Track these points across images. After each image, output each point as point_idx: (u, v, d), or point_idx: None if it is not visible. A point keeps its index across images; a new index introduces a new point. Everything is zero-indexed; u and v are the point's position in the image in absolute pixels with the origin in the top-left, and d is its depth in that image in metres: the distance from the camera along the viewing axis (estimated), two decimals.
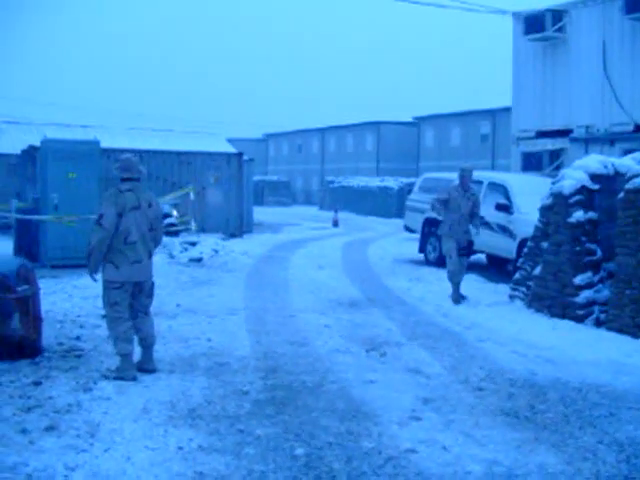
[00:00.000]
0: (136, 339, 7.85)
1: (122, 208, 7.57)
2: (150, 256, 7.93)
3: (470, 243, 13.16)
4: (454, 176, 19.21)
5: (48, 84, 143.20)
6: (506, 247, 15.64)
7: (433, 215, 18.55)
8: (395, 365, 8.49)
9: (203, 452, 5.67)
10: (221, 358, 8.59)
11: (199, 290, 13.79)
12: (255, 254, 20.63)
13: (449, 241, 12.96)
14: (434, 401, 7.13)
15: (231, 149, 31.38)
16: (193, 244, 19.28)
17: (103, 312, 10.57)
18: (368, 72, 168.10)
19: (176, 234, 22.03)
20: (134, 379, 7.52)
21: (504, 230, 15.76)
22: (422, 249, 19.21)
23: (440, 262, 18.08)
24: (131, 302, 7.80)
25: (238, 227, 27.27)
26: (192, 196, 21.26)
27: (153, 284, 8.03)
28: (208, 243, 19.85)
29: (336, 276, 16.27)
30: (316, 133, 74.32)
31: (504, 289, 13.36)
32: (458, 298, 12.62)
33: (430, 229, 18.69)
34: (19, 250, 16.42)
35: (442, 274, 16.45)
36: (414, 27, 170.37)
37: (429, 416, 6.68)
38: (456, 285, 12.76)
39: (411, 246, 21.28)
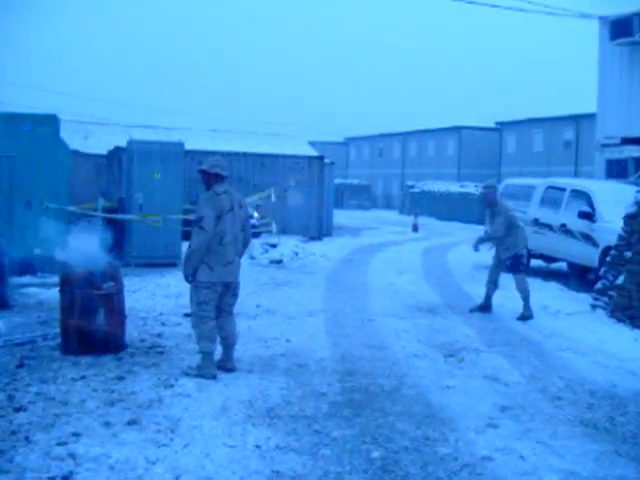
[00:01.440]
0: (218, 338, 7.96)
1: (220, 210, 7.68)
2: (240, 257, 8.05)
3: (517, 257, 12.54)
4: (536, 182, 19.03)
5: (133, 86, 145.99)
6: (588, 255, 15.35)
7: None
8: (473, 371, 8.42)
9: (280, 451, 5.73)
10: (300, 359, 8.65)
11: (279, 291, 13.91)
12: (334, 257, 20.68)
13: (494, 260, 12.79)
14: (512, 409, 7.06)
15: (313, 152, 31.52)
16: (273, 246, 19.46)
17: (186, 310, 10.83)
18: (451, 76, 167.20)
19: (257, 236, 22.25)
20: (214, 377, 7.63)
21: (587, 238, 15.47)
22: None
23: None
24: (217, 302, 7.91)
25: (318, 230, 27.38)
26: (273, 198, 21.44)
27: (238, 284, 8.12)
28: (288, 245, 20.00)
29: (415, 281, 16.21)
30: (397, 137, 74.16)
31: (585, 298, 13.11)
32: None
33: None
34: (104, 248, 16.75)
35: None
36: (496, 31, 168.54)
37: (506, 424, 6.61)
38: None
39: (491, 253, 21.00)
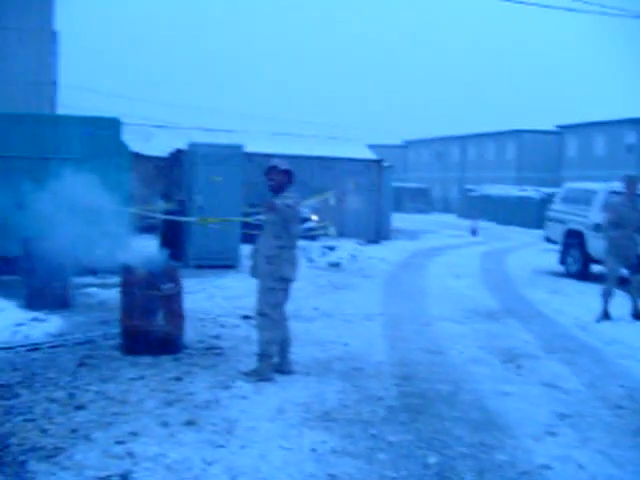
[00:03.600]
0: None
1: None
2: None
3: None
4: (597, 187, 18.73)
5: (193, 89, 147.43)
6: None
7: (575, 227, 18.14)
8: (531, 378, 8.32)
9: (336, 455, 5.73)
10: (357, 363, 8.63)
11: (336, 294, 13.91)
12: (392, 260, 20.63)
13: (613, 260, 12.24)
14: (571, 417, 6.96)
15: (371, 155, 31.43)
16: (331, 249, 19.45)
17: (244, 312, 10.90)
18: (509, 79, 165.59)
19: (315, 238, 22.28)
20: (271, 380, 7.66)
21: None
22: (563, 260, 18.75)
23: (581, 274, 17.66)
24: None
25: (376, 233, 27.32)
26: (332, 201, 21.45)
27: None
28: (346, 248, 19.98)
29: (473, 285, 16.09)
30: (456, 140, 73.72)
31: None
32: (603, 317, 12.03)
33: (571, 240, 18.25)
34: (164, 250, 16.93)
35: (583, 287, 16.10)
36: (556, 33, 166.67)
37: (565, 432, 6.52)
38: (606, 303, 12.14)
39: (551, 257, 20.81)
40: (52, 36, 20.63)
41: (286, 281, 7.78)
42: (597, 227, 16.77)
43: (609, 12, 23.15)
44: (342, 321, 11.19)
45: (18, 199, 13.62)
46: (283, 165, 7.81)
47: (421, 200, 64.77)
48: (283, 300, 7.85)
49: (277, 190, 7.75)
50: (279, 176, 7.77)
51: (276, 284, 7.74)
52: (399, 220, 38.60)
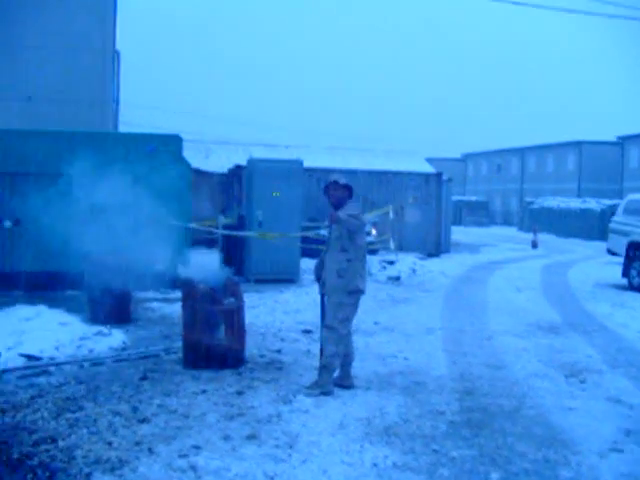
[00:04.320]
0: None
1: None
2: None
3: None
4: None
5: (252, 105, 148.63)
6: None
7: (638, 238, 17.83)
8: (595, 393, 8.18)
9: (398, 470, 5.70)
10: (417, 377, 8.59)
11: (397, 308, 13.87)
12: (452, 274, 20.50)
13: None
14: (637, 433, 6.81)
15: (430, 169, 31.37)
16: (391, 263, 19.41)
17: (304, 327, 10.95)
18: (569, 89, 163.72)
19: (374, 252, 22.26)
20: (332, 394, 7.66)
21: None
22: (626, 273, 18.42)
23: None
24: None
25: (436, 246, 27.22)
26: (391, 215, 21.41)
27: None
28: (406, 262, 19.92)
29: (535, 299, 15.90)
30: (515, 153, 73.14)
31: None
32: None
33: (634, 252, 17.94)
34: (225, 265, 17.10)
35: None
36: (615, 42, 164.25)
37: (631, 449, 6.39)
38: None
39: (614, 270, 20.48)
40: (114, 56, 21.04)
41: (357, 294, 7.79)
42: None
43: None
44: (402, 335, 11.15)
45: (82, 215, 13.90)
46: (342, 180, 7.86)
47: (480, 213, 64.35)
48: (352, 315, 7.86)
49: (337, 205, 7.80)
50: (339, 191, 7.83)
51: (346, 298, 7.74)
52: (459, 233, 38.38)
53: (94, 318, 10.85)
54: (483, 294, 16.48)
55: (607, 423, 7.08)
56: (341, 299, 7.71)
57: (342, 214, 7.58)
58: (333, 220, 7.60)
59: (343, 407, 7.29)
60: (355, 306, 7.83)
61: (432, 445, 6.28)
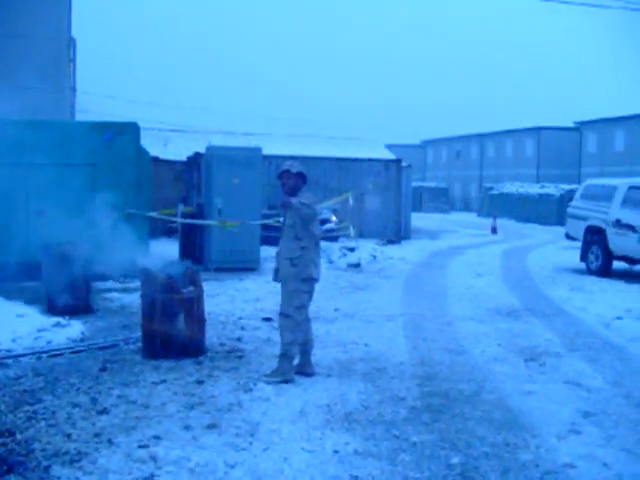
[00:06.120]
0: None
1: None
2: None
3: None
4: (618, 182, 18.60)
5: (211, 92, 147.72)
6: None
7: (596, 223, 18.03)
8: (554, 376, 8.26)
9: (359, 456, 5.70)
10: (378, 363, 8.61)
11: (357, 295, 13.89)
12: (412, 260, 20.58)
13: None
14: (595, 415, 6.89)
15: (390, 155, 31.45)
16: (351, 249, 19.44)
17: (264, 315, 10.93)
18: (527, 76, 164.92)
19: (335, 239, 22.28)
20: (293, 381, 7.65)
21: None
22: (583, 258, 18.62)
23: (602, 271, 17.55)
24: None
25: (396, 233, 27.31)
26: (351, 202, 21.42)
27: None
28: (366, 249, 19.97)
29: (494, 284, 16.02)
30: (475, 139, 73.61)
31: None
32: None
33: (592, 237, 18.14)
34: (184, 254, 17.02)
35: (605, 284, 16.00)
36: (572, 29, 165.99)
37: (589, 430, 6.46)
38: None
39: (572, 255, 20.71)
40: (69, 43, 20.78)
41: (311, 282, 7.81)
42: (617, 223, 16.71)
43: (637, 7, 23.05)
44: (363, 322, 11.17)
45: (38, 206, 13.72)
46: (295, 168, 7.84)
47: (440, 199, 64.73)
48: (307, 302, 7.88)
49: (291, 193, 7.79)
50: (292, 179, 7.82)
51: (300, 286, 7.75)
52: (419, 220, 38.54)
53: (52, 309, 10.75)
54: (443, 280, 16.56)
55: (565, 406, 7.15)
56: (295, 286, 7.72)
57: (294, 200, 7.58)
58: (284, 205, 7.64)
59: (304, 394, 7.29)
60: (310, 293, 7.86)
61: (393, 431, 6.29)
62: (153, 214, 15.62)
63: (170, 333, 8.35)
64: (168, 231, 22.93)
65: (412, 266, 19.27)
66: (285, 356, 7.76)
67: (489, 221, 37.88)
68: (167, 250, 16.45)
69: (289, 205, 7.57)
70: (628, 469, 5.57)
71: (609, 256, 17.60)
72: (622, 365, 8.86)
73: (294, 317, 7.74)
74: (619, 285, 15.78)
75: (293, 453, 5.71)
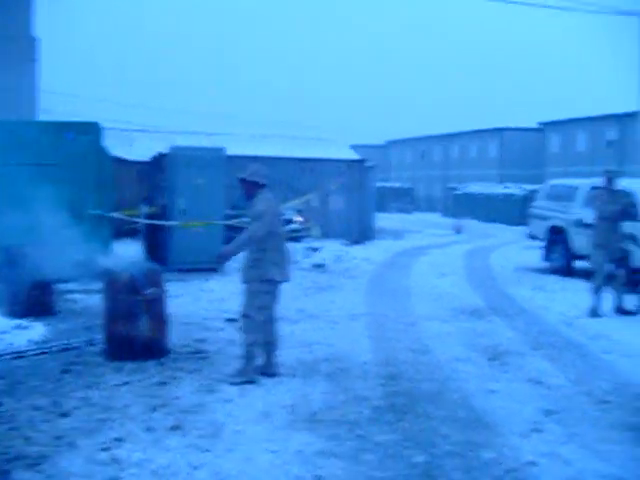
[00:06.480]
0: None
1: (275, 211, 7.92)
2: None
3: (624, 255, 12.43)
4: (579, 183, 18.79)
5: (175, 93, 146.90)
6: (634, 256, 15.10)
7: (558, 223, 18.19)
8: (517, 375, 8.33)
9: (322, 456, 5.70)
10: (342, 363, 8.62)
11: (321, 295, 13.90)
12: (377, 260, 20.64)
13: (598, 254, 12.33)
14: (556, 413, 6.96)
15: (354, 155, 31.44)
16: (315, 250, 19.45)
17: (228, 315, 10.88)
18: (491, 77, 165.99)
19: (299, 240, 22.26)
20: (256, 382, 7.64)
21: (632, 239, 15.21)
22: (546, 257, 18.78)
23: (565, 270, 17.71)
24: None
25: (360, 233, 27.33)
26: (315, 202, 21.42)
27: None
28: (330, 249, 19.99)
29: (458, 284, 16.11)
30: (439, 139, 73.96)
31: (632, 299, 12.86)
32: (594, 313, 12.07)
33: (554, 237, 18.29)
34: (147, 254, 16.90)
35: (567, 283, 16.15)
36: (536, 30, 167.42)
37: (551, 428, 6.52)
38: (597, 300, 12.15)
39: (534, 254, 20.86)
40: (31, 42, 20.57)
41: (272, 283, 7.82)
42: (579, 223, 16.86)
43: (596, 10, 23.34)
44: (327, 322, 11.18)
45: None
46: (251, 177, 7.91)
47: (405, 199, 64.88)
48: (269, 303, 7.88)
49: (249, 197, 7.96)
50: (247, 185, 7.95)
51: (261, 287, 7.77)
52: (383, 220, 38.61)
53: (13, 311, 10.60)
54: (407, 280, 16.62)
55: (528, 404, 7.20)
56: (256, 287, 7.76)
57: (229, 247, 7.89)
58: (221, 261, 8.52)
59: (267, 395, 7.28)
60: (272, 294, 7.89)
61: (356, 430, 6.30)
62: (116, 214, 15.50)
63: (132, 334, 8.30)
64: (131, 232, 22.76)
65: (376, 266, 19.32)
66: (247, 357, 7.76)
67: (453, 221, 38.09)
68: (130, 251, 16.32)
69: (226, 257, 8.11)
70: (589, 466, 5.63)
71: (571, 255, 17.75)
72: (583, 363, 8.95)
73: (255, 318, 7.76)
74: (581, 284, 15.92)
75: (257, 454, 5.70)
